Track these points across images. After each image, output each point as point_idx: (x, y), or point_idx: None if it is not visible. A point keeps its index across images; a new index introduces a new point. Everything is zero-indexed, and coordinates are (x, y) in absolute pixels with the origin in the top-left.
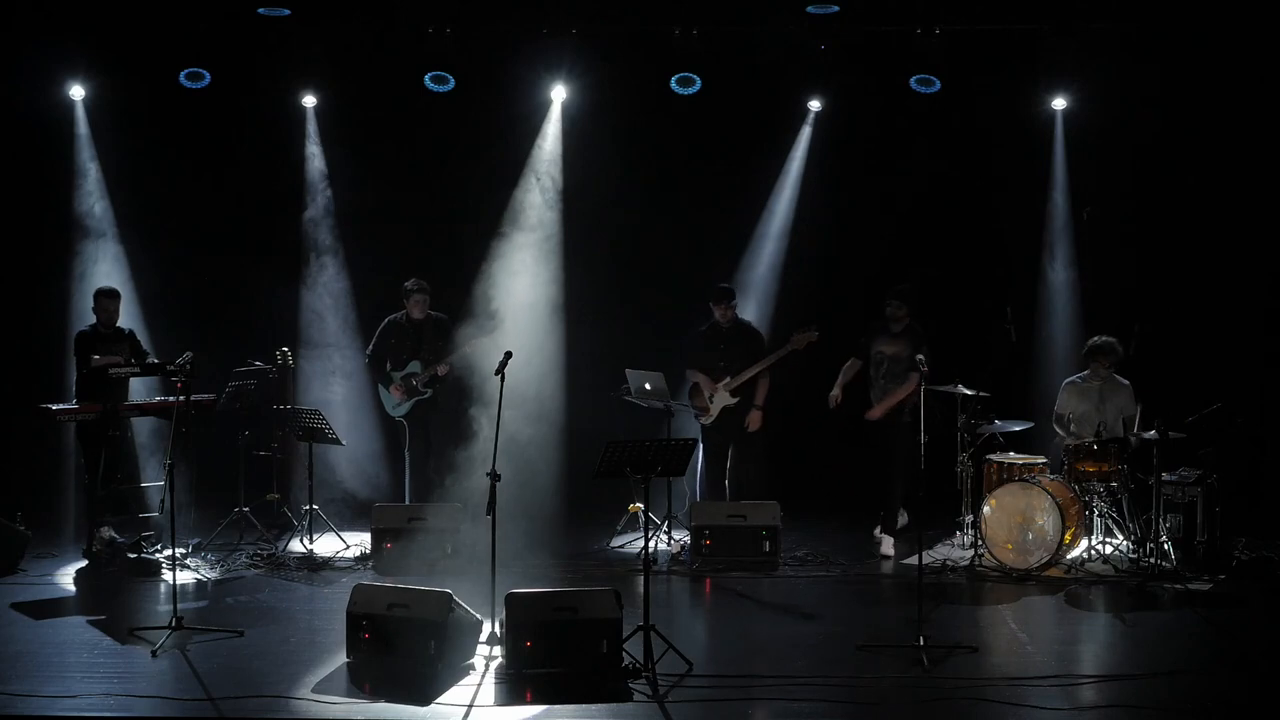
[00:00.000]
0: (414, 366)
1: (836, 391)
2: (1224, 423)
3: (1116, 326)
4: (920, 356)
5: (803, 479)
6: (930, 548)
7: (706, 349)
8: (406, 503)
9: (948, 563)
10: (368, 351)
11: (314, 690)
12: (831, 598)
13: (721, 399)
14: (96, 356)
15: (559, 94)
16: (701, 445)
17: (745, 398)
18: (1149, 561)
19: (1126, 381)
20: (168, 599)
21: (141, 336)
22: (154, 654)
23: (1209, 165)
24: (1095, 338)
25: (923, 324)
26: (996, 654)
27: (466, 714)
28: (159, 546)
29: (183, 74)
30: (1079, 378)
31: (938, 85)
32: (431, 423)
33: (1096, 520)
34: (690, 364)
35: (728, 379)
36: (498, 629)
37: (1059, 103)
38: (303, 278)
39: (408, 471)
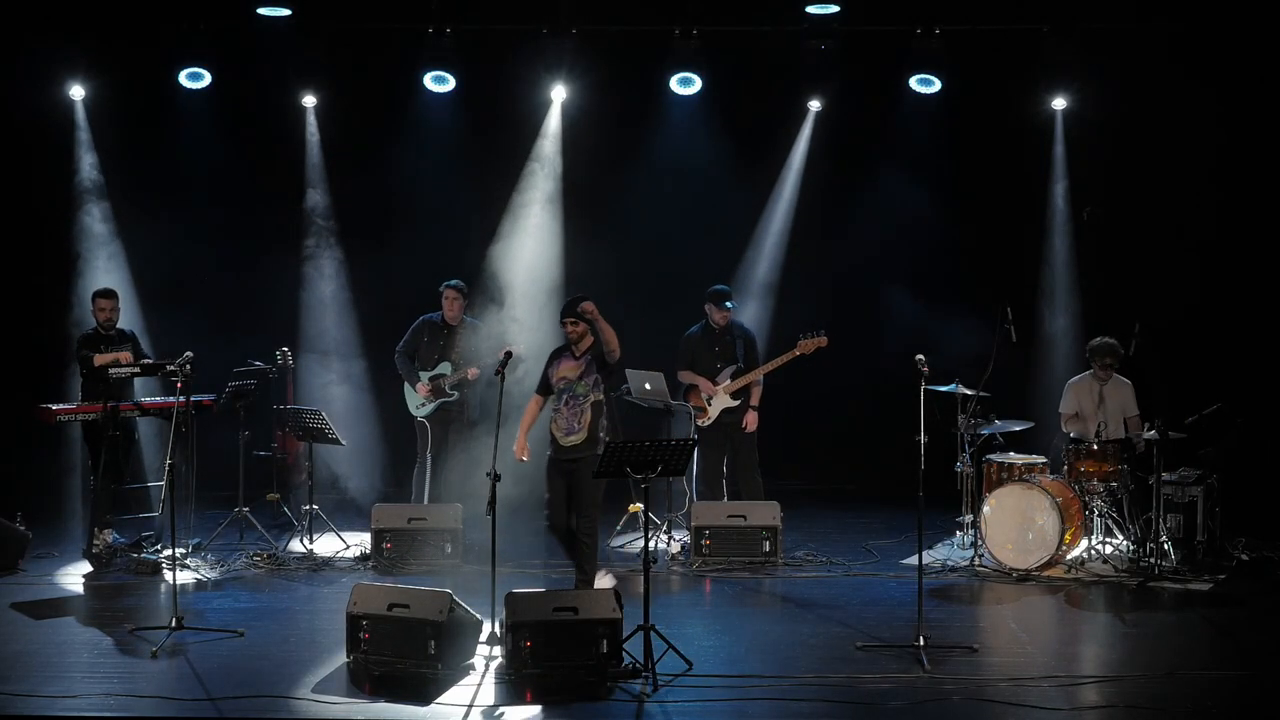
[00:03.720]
0: (444, 368)
1: (521, 441)
2: (1224, 423)
3: (1116, 326)
4: (920, 357)
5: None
6: (930, 548)
7: (703, 351)
8: (425, 505)
9: (948, 563)
10: (398, 347)
11: (314, 690)
12: (831, 598)
13: (721, 401)
14: (102, 357)
15: (559, 94)
16: (696, 447)
17: (745, 399)
18: (1149, 561)
19: (1128, 381)
20: (168, 599)
21: (142, 337)
22: (154, 654)
23: (1209, 164)
24: (1096, 339)
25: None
26: (996, 654)
27: (466, 714)
28: (159, 546)
29: (183, 74)
30: (1081, 378)
31: (938, 85)
32: (453, 426)
33: (1096, 520)
34: (683, 365)
35: (728, 380)
36: (498, 629)
37: (1059, 103)
38: (303, 278)
39: (428, 474)
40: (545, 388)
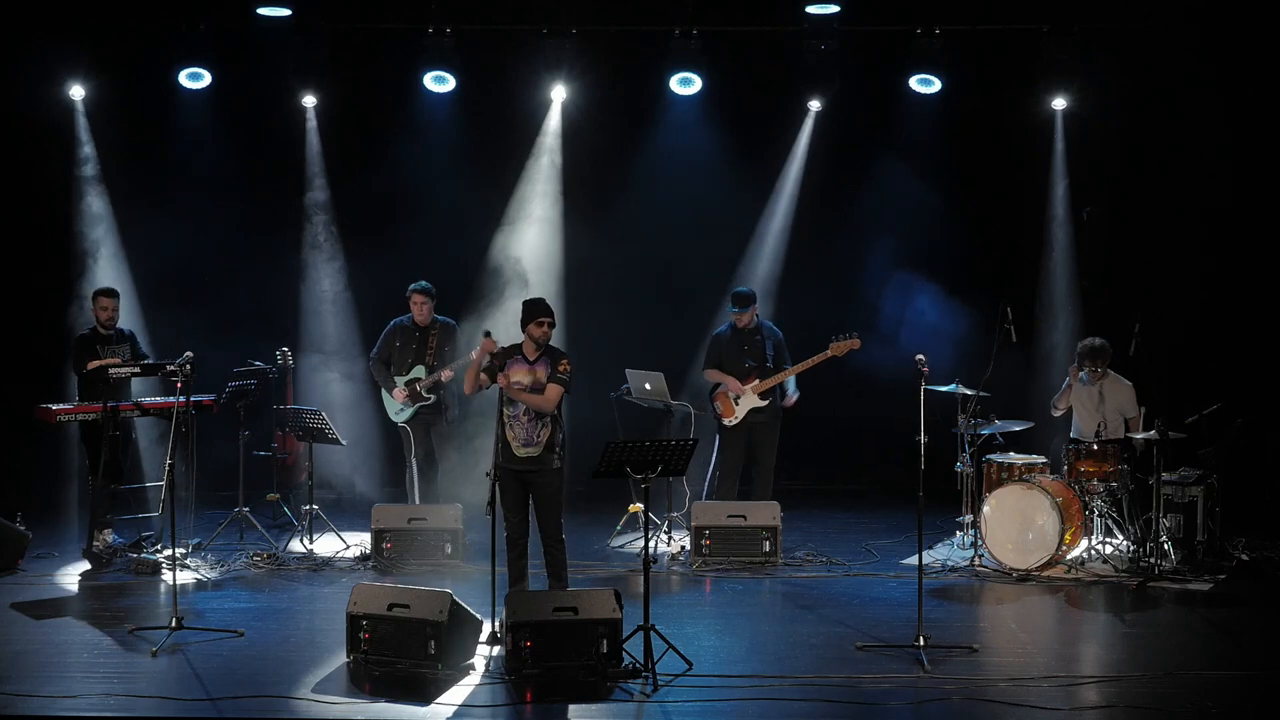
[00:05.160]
0: (418, 371)
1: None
2: (1224, 423)
3: (1116, 326)
4: (920, 357)
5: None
6: (930, 548)
7: (732, 351)
8: (425, 505)
9: (948, 563)
10: (371, 354)
11: (314, 690)
12: (831, 598)
13: (749, 400)
14: (94, 359)
15: (559, 94)
16: (719, 445)
17: (773, 399)
18: (1149, 561)
19: (1129, 382)
20: (168, 599)
21: (142, 337)
22: (154, 654)
23: (1209, 164)
24: (1087, 340)
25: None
26: (996, 654)
27: (466, 714)
28: (159, 546)
29: (183, 74)
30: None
31: (938, 85)
32: (435, 429)
33: (1096, 520)
34: (710, 365)
35: (756, 380)
36: (498, 629)
37: (1059, 103)
38: (303, 278)
39: (415, 479)
40: (493, 377)
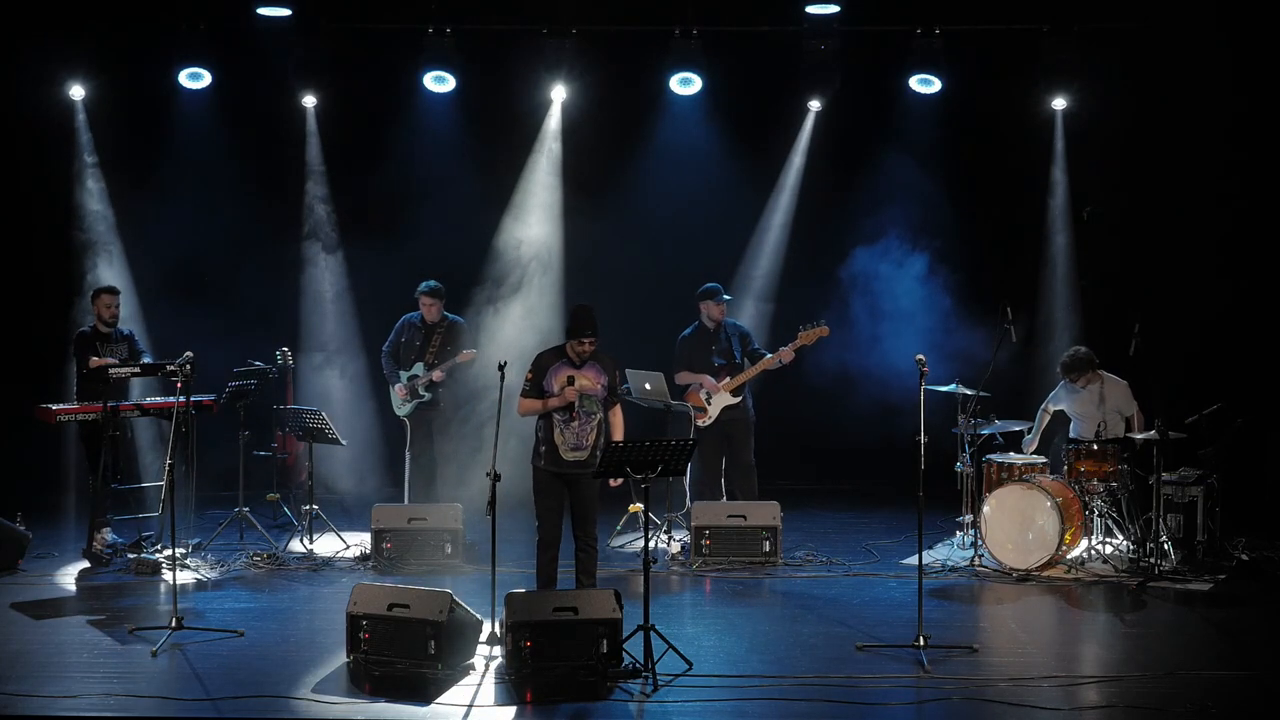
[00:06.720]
0: (418, 369)
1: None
2: (1224, 423)
3: (1116, 326)
4: (920, 357)
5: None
6: (930, 548)
7: (700, 351)
8: (406, 502)
9: (948, 563)
10: (384, 348)
11: (314, 690)
12: (831, 598)
13: (721, 399)
14: (95, 357)
15: (559, 94)
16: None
17: (743, 397)
18: (1149, 561)
19: (1123, 381)
20: (168, 599)
21: (142, 337)
22: (154, 654)
23: (1208, 164)
24: (1066, 353)
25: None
26: (996, 654)
27: (466, 714)
28: (159, 546)
29: (183, 74)
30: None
31: (938, 85)
32: (435, 424)
33: (1096, 520)
34: (680, 368)
35: (727, 378)
36: (498, 629)
37: (1059, 103)
38: (303, 278)
39: (408, 471)
40: (539, 394)
